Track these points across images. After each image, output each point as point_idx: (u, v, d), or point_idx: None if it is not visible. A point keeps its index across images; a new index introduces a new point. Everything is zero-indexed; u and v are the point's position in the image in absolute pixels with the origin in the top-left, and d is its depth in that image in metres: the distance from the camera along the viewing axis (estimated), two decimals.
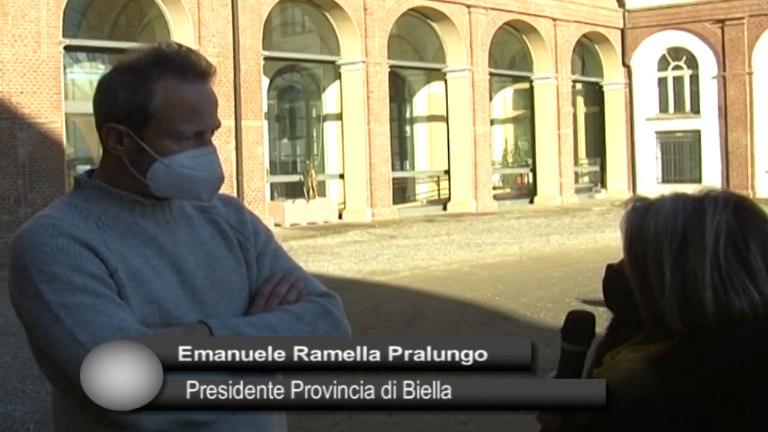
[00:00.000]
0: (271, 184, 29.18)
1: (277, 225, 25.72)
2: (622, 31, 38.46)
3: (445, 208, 32.21)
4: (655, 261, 1.83)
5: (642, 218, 1.88)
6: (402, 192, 34.18)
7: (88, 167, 2.54)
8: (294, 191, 29.45)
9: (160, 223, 2.19)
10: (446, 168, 32.89)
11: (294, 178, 30.47)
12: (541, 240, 21.65)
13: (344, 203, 29.56)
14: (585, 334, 2.01)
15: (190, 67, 2.14)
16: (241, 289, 2.24)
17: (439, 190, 35.64)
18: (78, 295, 1.99)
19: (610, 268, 2.02)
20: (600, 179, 39.69)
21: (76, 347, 1.93)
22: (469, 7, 32.12)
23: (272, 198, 28.86)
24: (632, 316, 1.93)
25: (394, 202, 30.41)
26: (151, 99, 2.10)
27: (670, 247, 1.82)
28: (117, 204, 2.15)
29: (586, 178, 40.18)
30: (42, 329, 2.00)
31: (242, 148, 25.58)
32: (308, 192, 28.41)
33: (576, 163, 38.09)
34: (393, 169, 31.19)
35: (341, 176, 29.86)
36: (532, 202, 35.40)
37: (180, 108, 2.12)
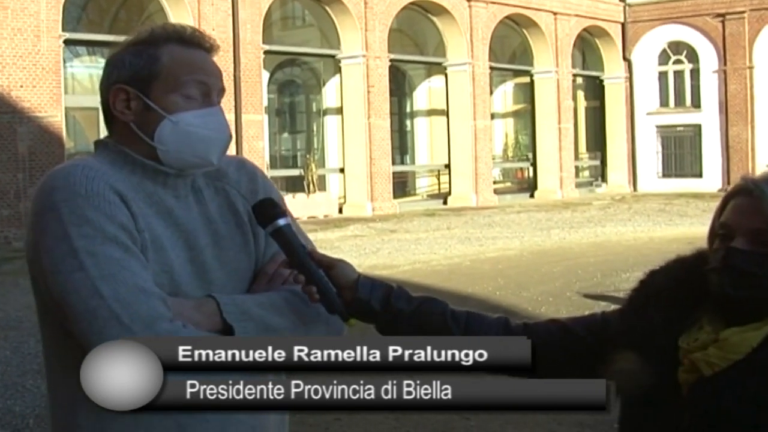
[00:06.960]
0: (272, 178, 28.88)
1: None
2: (623, 25, 38.43)
3: (445, 203, 32.19)
4: None
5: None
6: (402, 186, 34.17)
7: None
8: (294, 185, 29.42)
9: (179, 196, 2.15)
10: (446, 162, 32.85)
11: (294, 172, 30.48)
12: (542, 234, 21.62)
13: (344, 197, 29.54)
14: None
15: (195, 40, 2.17)
16: (247, 270, 2.21)
17: (439, 184, 35.64)
18: (107, 245, 1.94)
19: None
20: (600, 173, 39.65)
21: (95, 299, 1.89)
22: (469, 0, 32.08)
23: None
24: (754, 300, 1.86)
25: (395, 197, 30.38)
26: (158, 59, 2.13)
27: None
28: (140, 172, 2.11)
29: (586, 173, 40.14)
30: (62, 275, 1.93)
31: (242, 142, 25.54)
32: (308, 186, 28.39)
33: (576, 157, 38.06)
34: (393, 163, 31.16)
35: (341, 170, 29.84)
36: (532, 196, 35.36)
37: (184, 63, 2.13)
